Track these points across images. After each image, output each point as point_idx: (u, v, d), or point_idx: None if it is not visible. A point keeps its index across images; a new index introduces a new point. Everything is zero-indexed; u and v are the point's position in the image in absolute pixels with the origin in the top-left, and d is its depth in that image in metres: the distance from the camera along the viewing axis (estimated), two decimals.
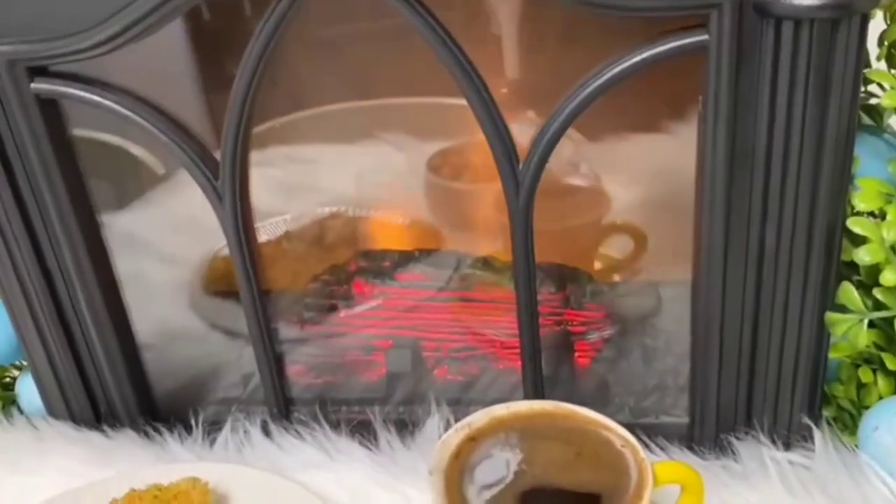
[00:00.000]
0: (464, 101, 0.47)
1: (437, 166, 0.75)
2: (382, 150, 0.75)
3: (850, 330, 0.48)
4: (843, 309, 0.48)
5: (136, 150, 0.72)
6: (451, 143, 0.73)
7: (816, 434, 0.51)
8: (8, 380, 0.69)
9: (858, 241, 0.47)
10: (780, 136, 0.44)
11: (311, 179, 0.79)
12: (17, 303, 0.57)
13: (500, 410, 0.43)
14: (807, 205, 0.46)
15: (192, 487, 0.49)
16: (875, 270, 0.48)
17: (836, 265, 0.48)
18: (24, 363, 0.69)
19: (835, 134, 0.44)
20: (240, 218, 0.53)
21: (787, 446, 0.52)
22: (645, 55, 0.44)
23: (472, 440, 0.42)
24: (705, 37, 0.42)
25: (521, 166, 0.48)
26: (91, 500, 0.50)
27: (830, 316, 0.48)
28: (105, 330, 0.58)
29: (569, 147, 0.61)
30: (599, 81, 0.45)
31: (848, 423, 0.54)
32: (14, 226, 0.54)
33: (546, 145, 0.47)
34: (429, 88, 0.65)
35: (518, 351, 0.56)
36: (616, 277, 0.66)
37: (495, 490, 0.39)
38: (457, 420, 0.54)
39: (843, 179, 0.46)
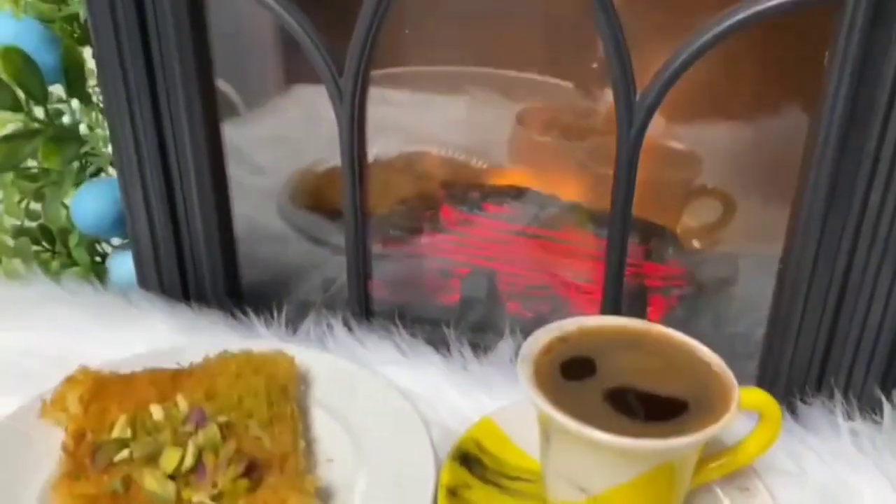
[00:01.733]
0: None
1: (527, 120, 0.76)
2: (474, 104, 0.76)
3: None
4: None
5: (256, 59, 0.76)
6: (541, 102, 0.75)
7: (886, 407, 0.51)
8: (98, 257, 0.72)
9: None
10: None
11: (404, 121, 0.81)
12: (130, 172, 0.60)
13: (591, 321, 0.45)
14: None
15: (281, 358, 0.51)
16: None
17: None
18: (115, 244, 0.72)
19: None
20: (356, 118, 0.56)
21: (855, 417, 0.52)
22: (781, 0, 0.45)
23: (562, 341, 0.43)
24: None
25: (637, 97, 0.49)
26: (181, 358, 0.52)
27: None
28: (208, 210, 0.61)
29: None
30: (728, 23, 0.46)
31: None
32: (141, 97, 0.57)
33: (666, 80, 0.48)
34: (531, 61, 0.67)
35: (592, 297, 0.57)
36: (699, 241, 0.67)
37: (583, 383, 0.40)
38: None
39: None
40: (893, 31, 0.43)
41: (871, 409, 0.52)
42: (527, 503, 0.45)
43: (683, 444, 0.37)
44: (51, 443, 0.46)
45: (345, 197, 0.59)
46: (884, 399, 0.51)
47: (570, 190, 0.70)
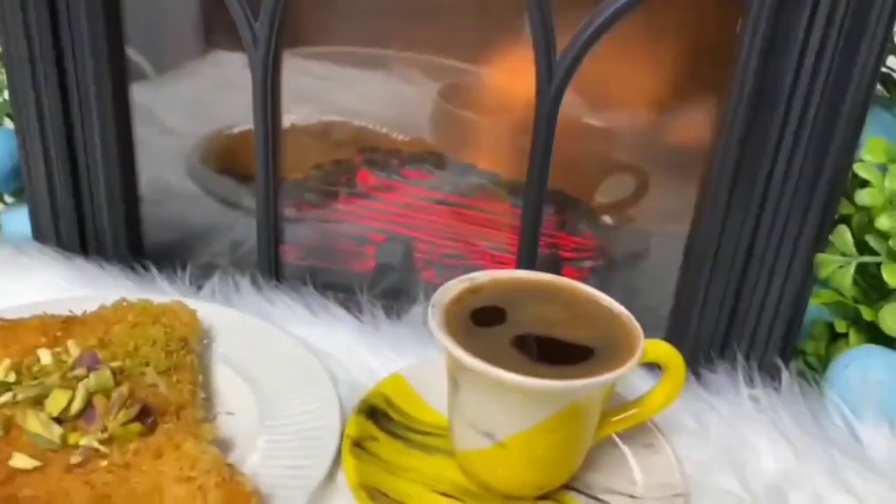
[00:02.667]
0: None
1: (449, 95, 0.76)
2: (395, 80, 0.76)
3: (837, 272, 0.50)
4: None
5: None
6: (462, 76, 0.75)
7: (784, 374, 0.52)
8: None
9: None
10: (806, 74, 0.46)
11: (324, 93, 0.80)
12: (29, 125, 0.57)
13: (503, 274, 0.45)
14: (819, 145, 0.48)
15: (182, 309, 0.49)
16: (866, 222, 0.50)
17: (833, 211, 0.50)
18: (9, 201, 0.69)
19: (859, 79, 0.46)
20: (269, 69, 0.54)
21: (755, 383, 0.53)
22: None
23: (473, 293, 0.43)
24: None
25: (558, 56, 0.49)
26: (75, 308, 0.49)
27: (820, 256, 0.50)
28: (111, 164, 0.58)
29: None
30: None
31: (812, 379, 0.56)
32: (44, 47, 0.54)
33: (584, 42, 0.49)
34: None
35: (507, 267, 0.57)
36: (613, 215, 0.68)
37: (492, 330, 0.40)
38: None
39: (858, 126, 0.48)
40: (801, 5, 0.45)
41: (770, 377, 0.54)
42: (434, 456, 0.44)
43: (588, 384, 0.37)
44: None
45: (257, 156, 0.57)
46: (782, 366, 0.53)
47: (489, 161, 0.70)
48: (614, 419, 0.43)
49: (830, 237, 0.51)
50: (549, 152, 0.53)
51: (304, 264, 0.65)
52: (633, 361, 0.38)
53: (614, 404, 0.43)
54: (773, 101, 0.47)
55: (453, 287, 0.43)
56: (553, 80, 0.50)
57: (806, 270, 0.51)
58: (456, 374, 0.40)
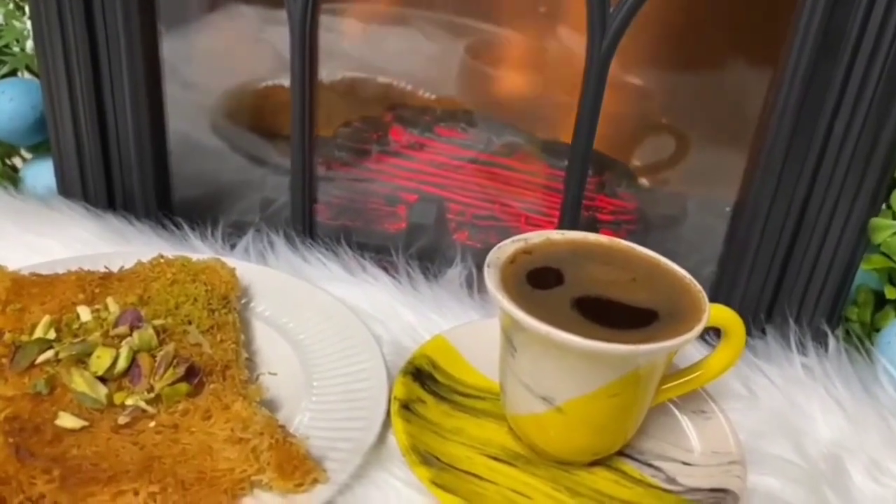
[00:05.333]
0: None
1: (477, 52, 0.74)
2: (421, 36, 0.73)
3: (892, 237, 0.49)
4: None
5: None
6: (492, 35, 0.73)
7: (831, 340, 0.51)
8: (10, 167, 0.66)
9: None
10: (875, 23, 0.44)
11: (350, 50, 0.78)
12: (56, 78, 0.55)
13: (556, 235, 0.43)
14: (883, 102, 0.46)
15: (221, 267, 0.48)
16: None
17: (891, 174, 0.49)
18: (30, 155, 0.67)
19: None
20: (308, 20, 0.52)
21: (804, 348, 0.52)
22: None
23: (527, 253, 0.42)
24: None
25: (611, 9, 0.47)
26: (110, 264, 0.48)
27: (875, 221, 0.49)
28: (141, 117, 0.57)
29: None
30: None
31: (858, 346, 0.55)
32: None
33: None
34: None
35: (542, 229, 0.56)
36: (652, 178, 0.66)
37: (550, 292, 0.39)
38: (480, 270, 0.55)
39: None
40: None
41: (817, 343, 0.52)
42: (482, 420, 0.43)
43: (656, 348, 0.35)
44: None
45: (294, 113, 0.55)
46: (829, 332, 0.52)
47: (523, 120, 0.68)
48: (672, 384, 0.42)
49: (884, 205, 0.50)
50: (597, 111, 0.51)
51: (337, 223, 0.64)
52: (700, 326, 0.36)
53: (670, 370, 0.42)
54: (837, 52, 0.45)
55: (507, 247, 0.41)
56: (606, 35, 0.48)
57: (859, 234, 0.50)
58: (513, 336, 0.38)
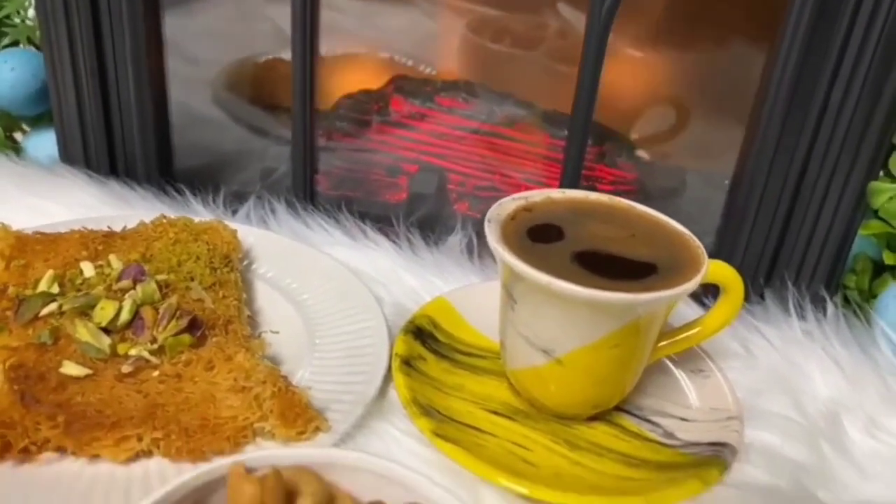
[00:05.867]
0: None
1: (477, 28, 0.74)
2: (421, 13, 0.74)
3: (890, 201, 0.49)
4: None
5: None
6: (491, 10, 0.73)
7: (830, 306, 0.51)
8: (10, 139, 0.66)
9: None
10: None
11: (350, 27, 0.78)
12: (58, 38, 0.55)
13: (556, 194, 0.43)
14: (881, 66, 0.46)
15: (223, 228, 0.48)
16: None
17: (890, 139, 0.49)
18: (28, 128, 0.67)
19: None
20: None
21: (802, 314, 0.53)
22: None
23: (528, 210, 0.42)
24: None
25: None
26: (113, 225, 0.48)
27: (873, 184, 0.49)
28: (142, 84, 0.57)
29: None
30: None
31: (856, 313, 0.55)
32: None
33: None
34: None
35: None
36: (652, 149, 0.67)
37: (550, 246, 0.39)
38: (480, 238, 0.55)
39: None
40: None
41: (816, 308, 0.53)
42: (482, 377, 0.44)
43: (656, 297, 0.36)
44: None
45: (294, 87, 0.56)
46: (827, 298, 0.52)
47: (524, 91, 0.68)
48: (671, 340, 0.42)
49: (882, 173, 0.50)
50: (596, 79, 0.51)
51: (338, 194, 0.64)
52: (698, 277, 0.37)
53: (667, 329, 0.42)
54: (835, 16, 0.45)
55: (508, 204, 0.42)
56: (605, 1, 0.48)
57: (857, 199, 0.50)
58: (513, 288, 0.39)
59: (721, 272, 0.40)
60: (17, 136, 0.67)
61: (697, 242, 0.40)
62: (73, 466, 0.34)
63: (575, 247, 0.39)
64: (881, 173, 0.51)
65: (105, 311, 0.39)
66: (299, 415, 0.36)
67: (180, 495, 0.28)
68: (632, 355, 0.39)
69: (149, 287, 0.40)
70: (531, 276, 0.36)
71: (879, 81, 0.46)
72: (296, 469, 0.28)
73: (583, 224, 0.41)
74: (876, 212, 0.53)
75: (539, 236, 0.40)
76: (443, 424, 0.39)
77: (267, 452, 0.28)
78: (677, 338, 0.42)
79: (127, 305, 0.39)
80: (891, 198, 0.49)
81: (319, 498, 0.28)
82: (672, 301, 0.37)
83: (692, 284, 0.36)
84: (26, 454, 0.34)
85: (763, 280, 0.53)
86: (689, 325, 0.42)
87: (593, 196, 0.44)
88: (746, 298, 0.52)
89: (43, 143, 0.64)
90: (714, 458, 0.39)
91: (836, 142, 0.49)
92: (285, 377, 0.38)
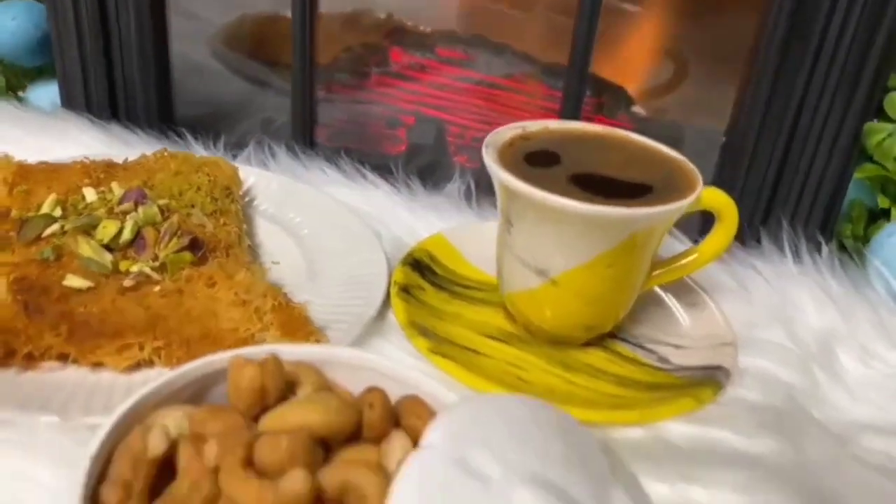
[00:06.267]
0: None
1: None
2: None
3: (886, 140, 0.50)
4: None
5: None
6: None
7: (825, 249, 0.52)
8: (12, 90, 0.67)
9: None
10: None
11: None
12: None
13: (553, 124, 0.44)
14: (875, 7, 0.46)
15: (223, 163, 0.48)
16: None
17: (885, 78, 0.49)
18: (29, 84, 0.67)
19: None
20: None
21: (797, 254, 0.53)
22: None
23: (525, 139, 0.42)
24: None
25: None
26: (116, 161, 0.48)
27: (869, 125, 0.50)
28: (144, 30, 0.57)
29: None
30: None
31: (851, 258, 0.56)
32: None
33: None
34: None
35: None
36: (651, 102, 0.67)
37: (547, 169, 0.39)
38: (479, 186, 0.56)
39: None
40: None
41: (811, 248, 0.53)
42: (479, 307, 0.44)
43: (651, 212, 0.36)
44: None
45: (294, 43, 0.56)
46: (822, 241, 0.52)
47: (522, 43, 0.68)
48: (667, 268, 0.43)
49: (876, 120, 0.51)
50: (593, 30, 0.52)
51: (337, 145, 0.64)
52: (693, 195, 0.37)
53: (662, 259, 0.43)
54: None
55: (505, 132, 0.42)
56: None
57: (853, 140, 0.50)
58: (510, 210, 0.39)
59: (715, 198, 0.41)
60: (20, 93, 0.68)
61: (692, 167, 0.40)
62: (75, 374, 0.35)
63: (572, 170, 0.40)
64: (876, 121, 0.52)
65: (107, 230, 0.39)
66: (299, 328, 0.36)
67: (181, 384, 0.28)
68: (626, 277, 0.40)
69: (150, 209, 0.41)
70: (527, 193, 0.36)
71: (874, 22, 0.47)
72: (296, 363, 0.29)
73: (580, 150, 0.42)
74: (871, 157, 0.53)
75: (536, 161, 0.40)
76: (440, 345, 0.39)
77: (267, 347, 0.29)
78: (672, 266, 0.43)
79: (129, 225, 0.40)
80: (885, 137, 0.50)
81: (319, 388, 0.29)
82: (667, 218, 0.38)
83: (688, 201, 0.37)
84: (30, 361, 0.34)
85: (761, 218, 0.53)
86: (684, 254, 0.43)
87: (590, 126, 0.44)
88: (742, 240, 0.52)
89: (45, 94, 0.64)
90: (708, 378, 0.39)
91: (831, 84, 0.49)
92: (286, 293, 0.38)
